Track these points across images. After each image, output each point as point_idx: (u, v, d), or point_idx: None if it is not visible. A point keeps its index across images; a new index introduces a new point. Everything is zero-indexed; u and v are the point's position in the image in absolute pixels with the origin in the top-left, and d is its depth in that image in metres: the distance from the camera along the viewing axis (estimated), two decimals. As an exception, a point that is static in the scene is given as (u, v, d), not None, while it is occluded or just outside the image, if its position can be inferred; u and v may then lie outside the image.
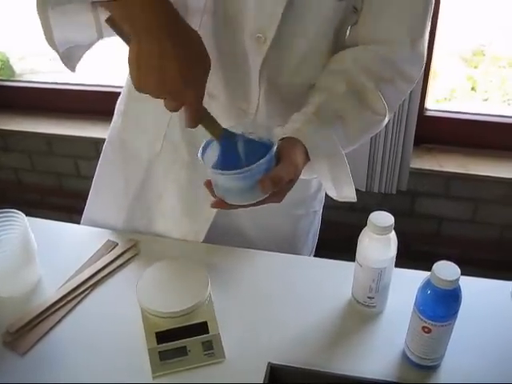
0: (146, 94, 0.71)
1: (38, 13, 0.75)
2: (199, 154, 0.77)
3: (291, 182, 0.80)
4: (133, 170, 1.09)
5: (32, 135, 2.09)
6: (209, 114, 0.76)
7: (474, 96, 2.29)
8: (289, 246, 1.18)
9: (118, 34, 0.71)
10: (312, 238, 1.26)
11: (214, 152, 0.79)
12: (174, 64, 0.68)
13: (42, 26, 0.78)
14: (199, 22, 0.85)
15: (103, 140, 1.14)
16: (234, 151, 0.78)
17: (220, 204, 0.79)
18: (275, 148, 0.75)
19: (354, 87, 0.88)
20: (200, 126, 0.76)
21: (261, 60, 0.87)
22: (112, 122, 1.12)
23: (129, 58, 0.69)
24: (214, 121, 0.77)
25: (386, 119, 0.91)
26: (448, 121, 1.82)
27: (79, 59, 0.88)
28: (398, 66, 0.90)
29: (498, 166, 1.76)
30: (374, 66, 0.89)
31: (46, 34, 0.79)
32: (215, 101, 0.93)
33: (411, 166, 1.76)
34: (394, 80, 0.90)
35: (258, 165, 0.73)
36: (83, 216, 1.22)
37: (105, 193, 1.16)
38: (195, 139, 0.94)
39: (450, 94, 2.26)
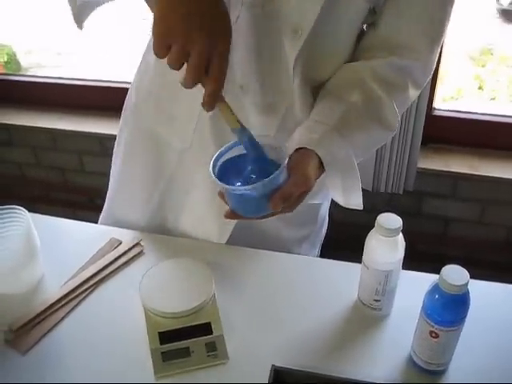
0: (169, 43, 0.68)
1: None
2: (210, 167, 0.76)
3: (303, 194, 0.80)
4: (163, 163, 1.08)
5: (37, 130, 2.09)
6: (227, 103, 0.74)
7: (481, 95, 2.28)
8: (309, 239, 1.20)
9: None
10: (325, 224, 1.28)
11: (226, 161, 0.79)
12: (200, 12, 0.68)
13: None
14: (237, 15, 0.85)
15: (108, 136, 1.13)
16: (245, 163, 0.77)
17: (232, 215, 0.79)
18: (285, 163, 0.74)
19: (371, 100, 0.89)
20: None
21: (295, 54, 0.87)
22: (131, 109, 1.10)
23: (157, 7, 0.68)
24: (232, 111, 0.75)
25: None
26: (456, 121, 1.80)
27: (88, 16, 0.88)
28: (413, 75, 0.92)
29: (506, 166, 1.74)
30: (390, 77, 0.90)
31: None
32: (247, 94, 0.92)
33: (418, 166, 1.74)
34: (407, 89, 0.91)
35: (266, 182, 0.72)
36: (104, 209, 1.21)
37: (131, 186, 1.14)
38: (224, 135, 0.92)
39: (457, 92, 2.25)
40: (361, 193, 0.88)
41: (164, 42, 0.68)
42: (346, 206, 0.91)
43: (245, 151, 0.77)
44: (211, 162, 0.77)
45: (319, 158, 0.82)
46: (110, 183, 1.20)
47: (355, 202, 0.90)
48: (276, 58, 0.89)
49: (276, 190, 0.74)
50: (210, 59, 0.69)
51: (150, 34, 0.69)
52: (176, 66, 0.69)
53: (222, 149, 0.79)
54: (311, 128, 0.86)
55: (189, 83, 0.70)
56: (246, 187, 0.73)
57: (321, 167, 0.83)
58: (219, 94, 0.72)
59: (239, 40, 0.77)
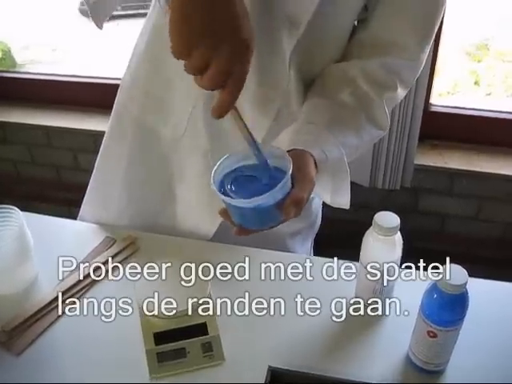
0: (193, 45, 0.62)
1: None
2: (211, 181, 0.70)
3: (309, 196, 0.77)
4: (153, 152, 1.06)
5: (31, 127, 2.08)
6: (238, 112, 0.70)
7: (477, 90, 2.27)
8: (302, 232, 1.19)
9: None
10: (318, 219, 1.27)
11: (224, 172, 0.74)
12: (227, 6, 0.63)
13: None
14: None
15: (103, 133, 1.11)
16: (248, 176, 0.73)
17: (242, 231, 0.75)
18: (291, 169, 0.69)
19: (362, 100, 0.89)
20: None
21: (292, 46, 0.86)
22: (120, 103, 1.08)
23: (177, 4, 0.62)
24: (242, 120, 0.70)
25: None
26: (453, 117, 1.80)
27: (107, 15, 0.86)
28: (402, 75, 0.91)
29: (503, 163, 1.74)
30: (380, 77, 0.90)
31: None
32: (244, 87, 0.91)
33: (415, 162, 1.74)
34: (396, 89, 0.91)
35: (278, 188, 0.67)
36: (84, 200, 1.19)
37: (115, 175, 1.11)
38: (217, 123, 0.90)
39: (452, 87, 2.24)
40: (349, 193, 0.87)
41: (187, 44, 0.63)
42: (333, 205, 0.90)
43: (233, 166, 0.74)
44: (212, 174, 0.71)
45: (313, 158, 0.80)
46: (92, 174, 1.16)
47: (342, 201, 0.88)
48: (273, 51, 0.88)
49: (284, 198, 0.70)
50: (232, 69, 0.65)
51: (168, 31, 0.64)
52: (197, 72, 0.64)
53: (216, 167, 0.73)
54: (303, 129, 0.85)
55: (206, 88, 0.66)
56: (262, 196, 0.67)
57: (315, 166, 0.81)
58: (232, 105, 0.68)
59: None
